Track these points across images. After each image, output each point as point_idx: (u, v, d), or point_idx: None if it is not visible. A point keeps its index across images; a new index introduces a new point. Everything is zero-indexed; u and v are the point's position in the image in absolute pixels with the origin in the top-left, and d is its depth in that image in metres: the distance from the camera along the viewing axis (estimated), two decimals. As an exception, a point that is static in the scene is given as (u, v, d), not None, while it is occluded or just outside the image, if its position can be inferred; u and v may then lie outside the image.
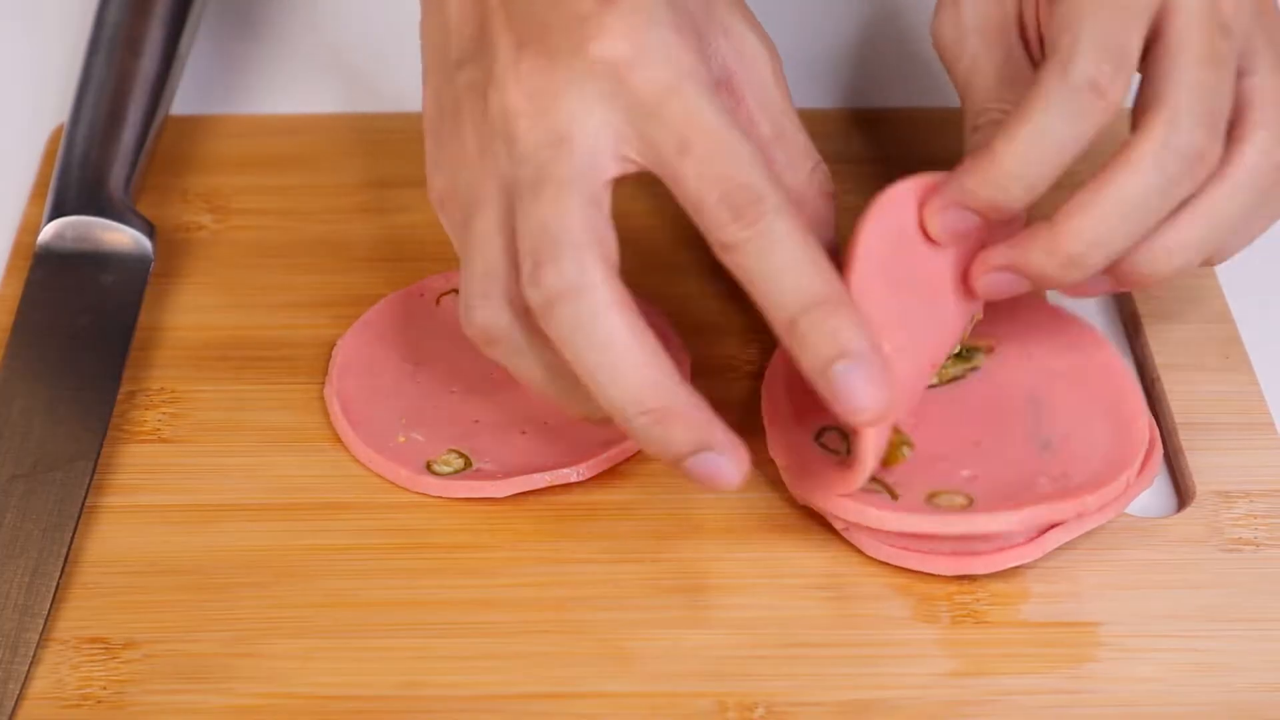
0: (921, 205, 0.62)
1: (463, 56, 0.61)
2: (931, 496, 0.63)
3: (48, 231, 0.72)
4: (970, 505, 0.62)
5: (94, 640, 0.61)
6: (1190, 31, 0.61)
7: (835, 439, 0.65)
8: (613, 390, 0.58)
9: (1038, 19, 0.65)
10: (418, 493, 0.65)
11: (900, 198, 0.62)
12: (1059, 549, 0.63)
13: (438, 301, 0.71)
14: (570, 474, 0.65)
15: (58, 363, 0.68)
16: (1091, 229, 0.60)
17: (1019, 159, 0.60)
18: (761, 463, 0.67)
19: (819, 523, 0.65)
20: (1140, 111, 0.61)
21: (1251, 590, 0.63)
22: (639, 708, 0.60)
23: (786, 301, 0.58)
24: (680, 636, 0.61)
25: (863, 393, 0.57)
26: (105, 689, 0.60)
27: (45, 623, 0.61)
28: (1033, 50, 0.66)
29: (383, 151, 0.78)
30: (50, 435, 0.66)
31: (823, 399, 0.58)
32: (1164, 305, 0.72)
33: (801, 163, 0.66)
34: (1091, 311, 0.73)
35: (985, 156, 0.60)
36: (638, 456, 0.66)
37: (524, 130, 0.59)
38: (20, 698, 0.59)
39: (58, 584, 0.62)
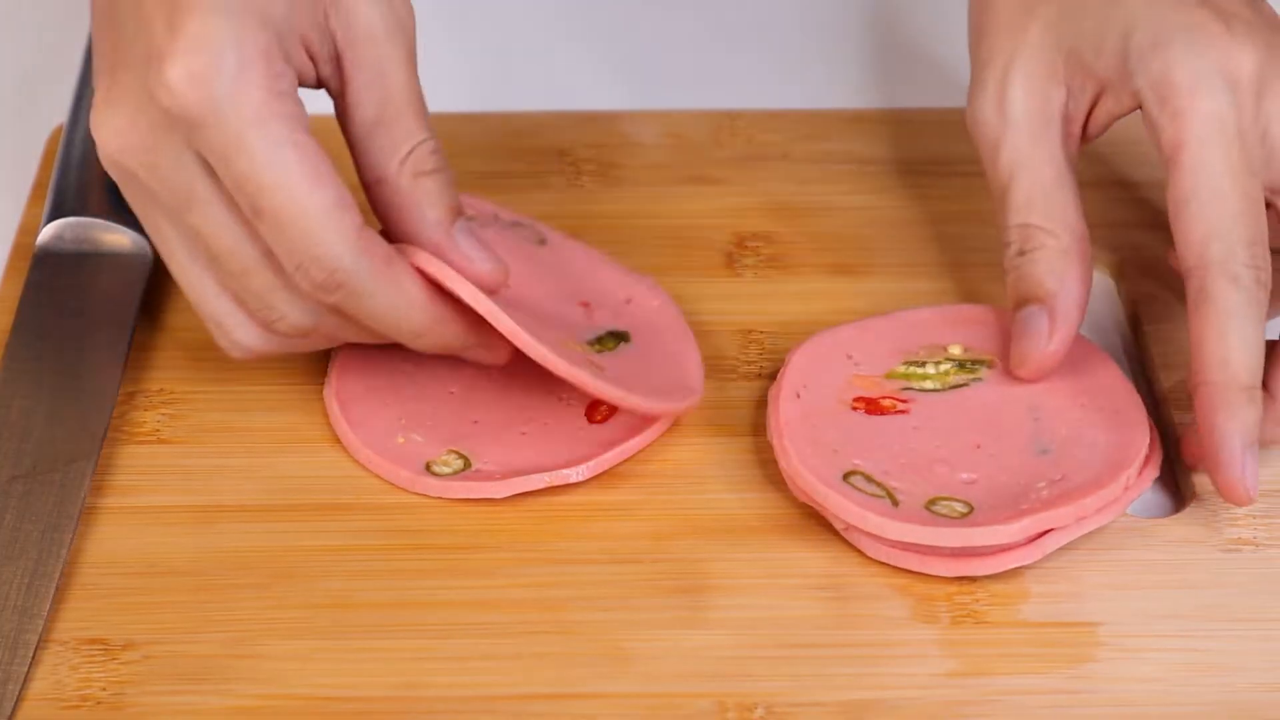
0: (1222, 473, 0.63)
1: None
2: (931, 503, 0.63)
3: (47, 232, 0.72)
4: (970, 512, 0.62)
5: (93, 641, 0.61)
6: None
7: (862, 481, 0.65)
8: (397, 332, 0.63)
9: (1085, 121, 0.66)
10: (417, 493, 0.65)
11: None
12: (1059, 549, 0.63)
13: None
14: (570, 474, 0.65)
15: (57, 363, 0.68)
16: None
17: (1247, 371, 0.62)
18: (762, 462, 0.67)
19: (818, 523, 0.65)
20: None
21: (1251, 590, 0.63)
22: (638, 708, 0.59)
23: (397, 337, 0.63)
24: (680, 637, 0.61)
25: (482, 359, 0.65)
26: (104, 690, 0.60)
27: (44, 624, 0.61)
28: (1071, 151, 0.67)
29: (382, 152, 0.78)
30: (49, 436, 0.66)
31: None
32: (1164, 305, 0.72)
33: (398, 148, 0.64)
34: (1091, 311, 0.73)
35: (1219, 392, 0.62)
36: (638, 457, 0.66)
37: (152, 186, 0.61)
38: (20, 699, 0.59)
39: (57, 585, 0.62)
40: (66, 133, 0.75)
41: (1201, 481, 0.66)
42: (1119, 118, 0.67)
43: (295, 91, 0.61)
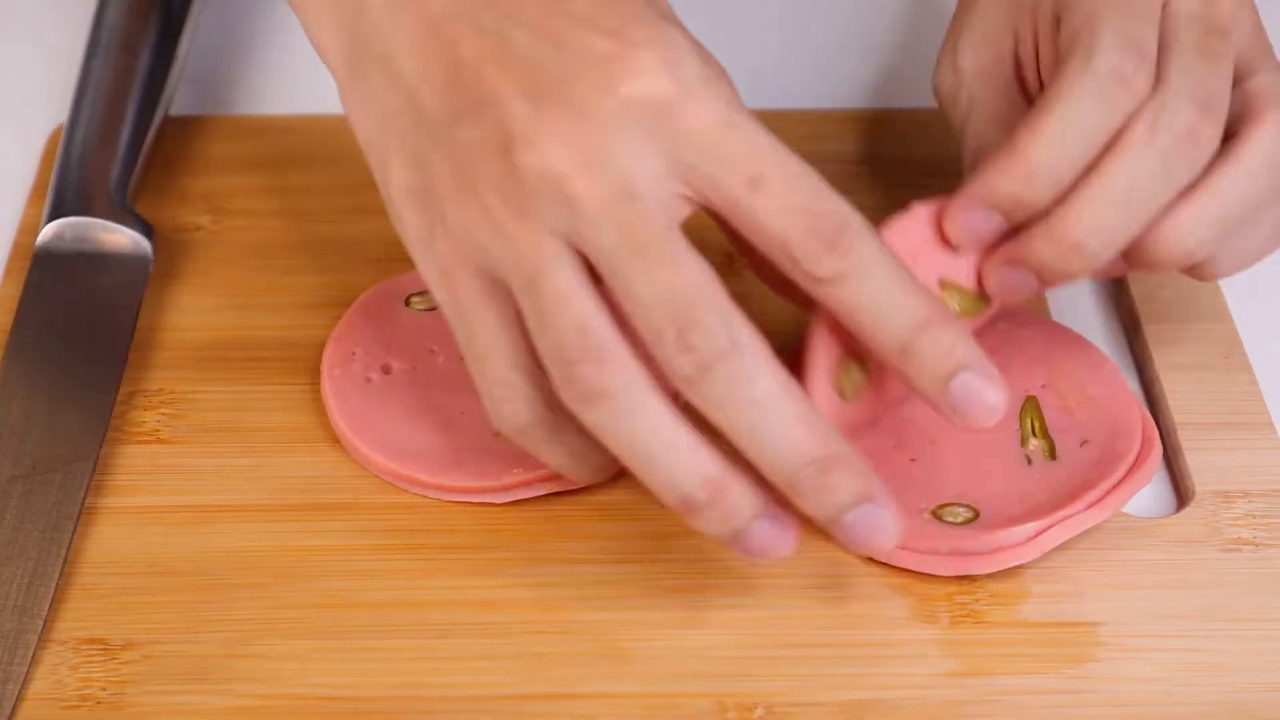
0: (940, 215, 0.61)
1: (449, 115, 0.57)
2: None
3: (47, 232, 0.72)
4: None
5: (93, 641, 0.61)
6: (1182, 29, 0.61)
7: None
8: (777, 444, 0.56)
9: (1036, 60, 0.65)
10: (416, 494, 0.65)
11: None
12: (1058, 549, 0.63)
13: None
14: (571, 481, 0.65)
15: (57, 364, 0.68)
16: (1091, 215, 0.59)
17: (1045, 151, 0.59)
18: (761, 463, 0.67)
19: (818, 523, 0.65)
20: None
21: (1250, 590, 0.63)
22: (638, 708, 0.59)
23: (896, 327, 0.57)
24: (679, 637, 0.61)
25: (988, 397, 0.57)
26: (104, 690, 0.60)
27: (44, 624, 0.61)
28: (1030, 91, 0.66)
29: (382, 152, 0.78)
30: (49, 436, 0.66)
31: (941, 413, 0.57)
32: (1164, 305, 0.72)
33: None
34: (1091, 311, 0.73)
35: (1008, 152, 0.60)
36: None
37: (583, 190, 0.55)
38: (19, 699, 0.59)
39: (57, 585, 0.62)
40: (66, 133, 0.75)
41: (1201, 481, 0.66)
42: (1054, 39, 0.64)
43: None
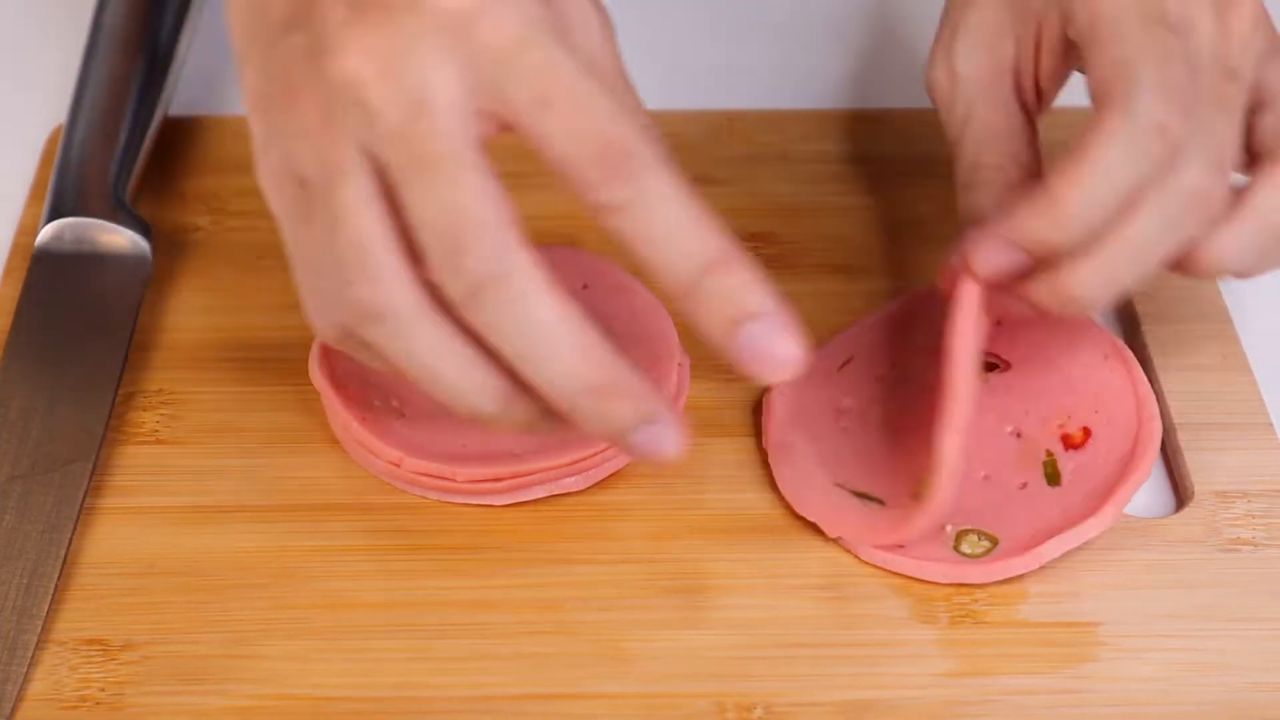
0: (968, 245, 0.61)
1: (287, 22, 0.57)
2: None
3: (46, 233, 0.72)
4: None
5: (92, 642, 0.61)
6: (1201, 71, 0.61)
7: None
8: (553, 370, 0.54)
9: (1035, 70, 0.65)
10: (416, 494, 0.65)
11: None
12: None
13: None
14: (571, 483, 0.65)
15: (56, 364, 0.68)
16: (1095, 271, 0.59)
17: (1081, 199, 0.59)
18: (761, 463, 0.67)
19: (817, 524, 0.65)
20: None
21: (1250, 590, 0.63)
22: (637, 708, 0.59)
23: (681, 265, 0.54)
24: (678, 637, 0.61)
25: (780, 348, 0.54)
26: (103, 690, 0.60)
27: (43, 624, 0.61)
28: (1027, 101, 0.66)
29: (382, 152, 0.78)
30: (48, 437, 0.66)
31: (733, 362, 0.55)
32: (1163, 305, 0.72)
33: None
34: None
35: (1044, 196, 0.59)
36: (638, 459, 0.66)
37: (376, 98, 0.54)
38: (19, 699, 0.59)
39: (56, 585, 0.62)
40: (66, 133, 0.75)
41: (1201, 482, 0.66)
42: (1061, 51, 0.65)
43: None
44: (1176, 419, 0.68)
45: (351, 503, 0.65)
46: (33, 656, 0.60)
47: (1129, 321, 0.72)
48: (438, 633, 0.61)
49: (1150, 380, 0.70)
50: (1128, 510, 0.65)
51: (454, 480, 0.64)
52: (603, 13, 0.59)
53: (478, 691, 0.60)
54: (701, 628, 0.62)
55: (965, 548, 0.63)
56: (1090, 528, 0.62)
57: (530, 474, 0.64)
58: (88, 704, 0.60)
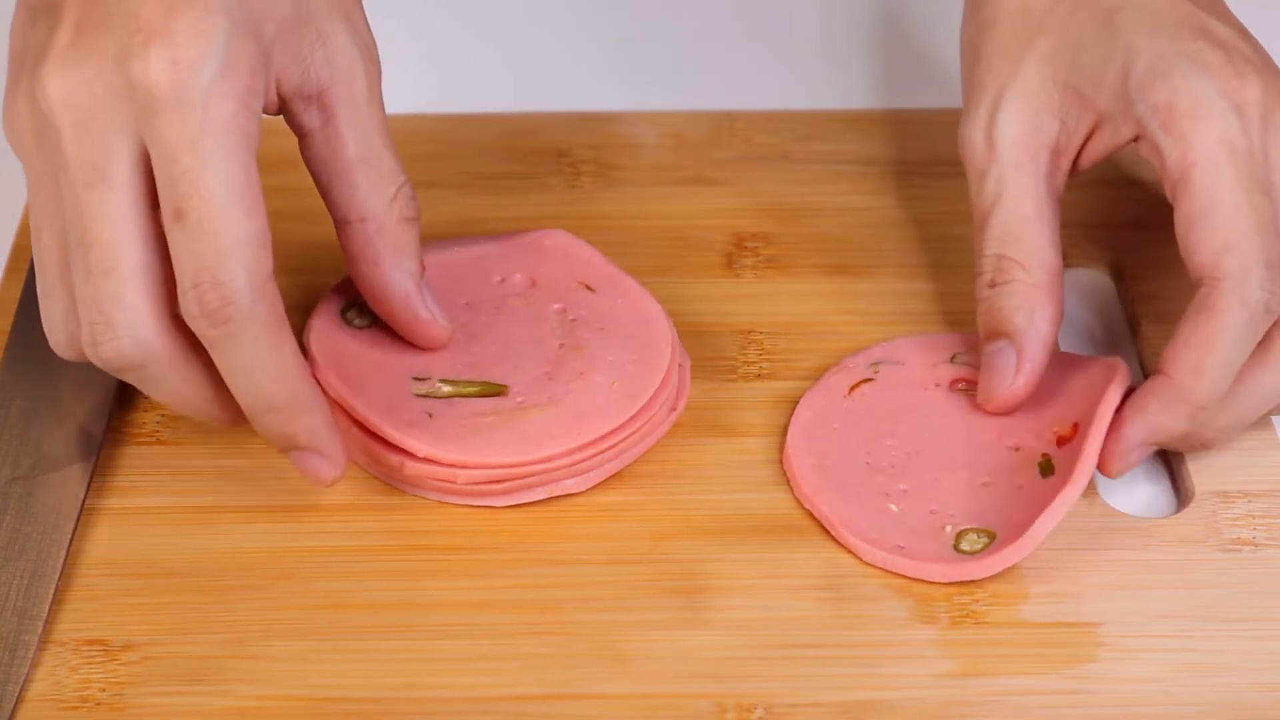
0: (1108, 440, 0.64)
1: (39, 5, 0.60)
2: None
3: (47, 233, 0.72)
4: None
5: (92, 642, 0.61)
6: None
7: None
8: (248, 388, 0.60)
9: (1076, 155, 0.67)
10: (416, 495, 0.65)
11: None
12: (1057, 549, 0.63)
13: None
14: (572, 485, 0.65)
15: (56, 364, 0.68)
16: (1228, 428, 0.65)
17: (1209, 389, 0.63)
18: (761, 462, 0.67)
19: (817, 524, 0.65)
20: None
21: (1250, 590, 0.63)
22: (637, 709, 0.59)
23: (247, 401, 0.60)
24: (679, 638, 0.61)
25: (317, 470, 0.62)
26: (104, 691, 0.60)
27: (44, 625, 0.61)
28: (1058, 180, 0.67)
29: (382, 152, 0.78)
30: (49, 437, 0.66)
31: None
32: (1164, 305, 0.72)
33: (385, 187, 0.64)
34: (1091, 310, 0.73)
35: (1173, 393, 0.63)
36: (637, 460, 0.66)
37: (68, 149, 0.58)
38: (19, 700, 0.59)
39: (56, 586, 0.62)
40: (66, 133, 0.75)
41: (1201, 482, 0.66)
42: (1115, 149, 0.67)
43: (259, 114, 0.59)
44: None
45: (352, 504, 0.65)
46: (33, 657, 0.60)
47: (1130, 321, 0.72)
48: (438, 633, 0.61)
49: (1150, 380, 0.70)
50: (1128, 510, 0.65)
51: (454, 482, 0.64)
52: (369, 56, 0.63)
53: (478, 692, 0.60)
54: (701, 628, 0.62)
55: (965, 546, 0.63)
56: (1070, 492, 0.62)
57: (530, 475, 0.64)
58: (88, 704, 0.60)
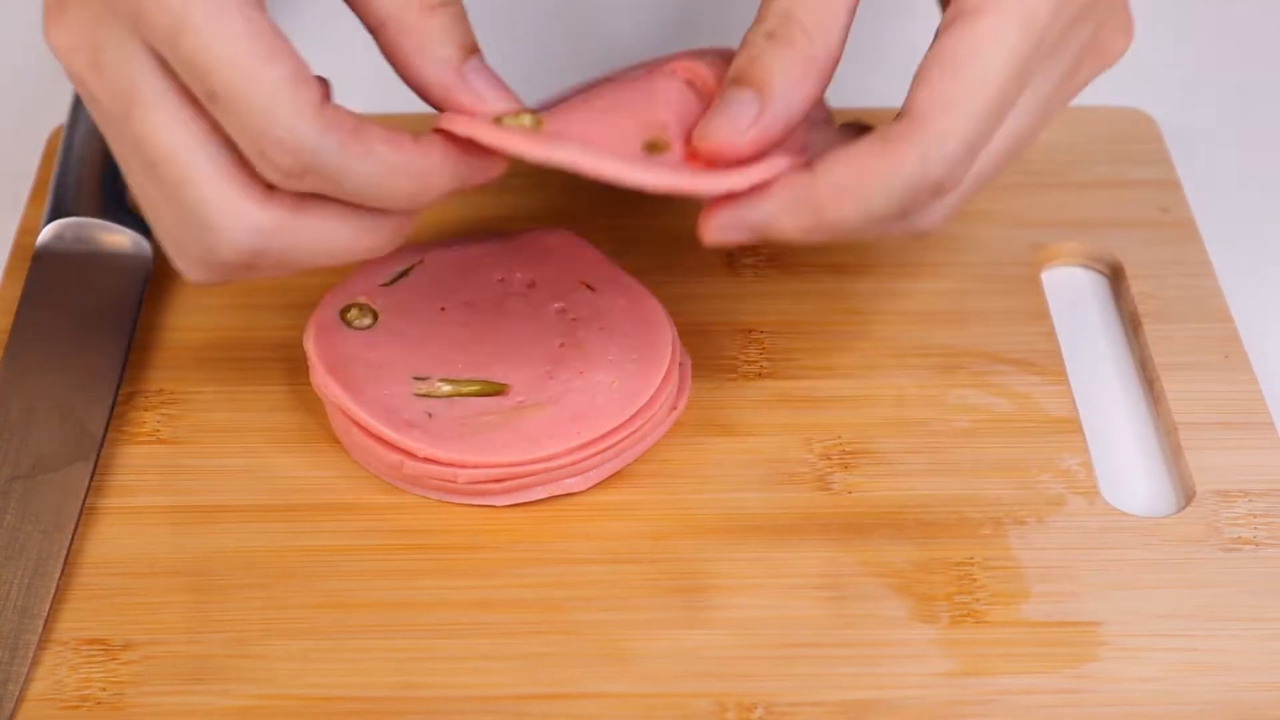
0: (708, 209, 0.60)
1: None
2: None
3: (47, 232, 0.72)
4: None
5: (93, 641, 0.61)
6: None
7: None
8: (388, 199, 0.58)
9: None
10: (417, 494, 0.65)
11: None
12: (1058, 548, 0.63)
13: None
14: (573, 484, 0.65)
15: (57, 363, 0.68)
16: (855, 208, 0.59)
17: (837, 220, 0.58)
18: (762, 462, 0.67)
19: (818, 523, 0.65)
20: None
21: (1251, 589, 0.63)
22: (638, 708, 0.59)
23: (388, 205, 0.58)
24: (679, 637, 0.61)
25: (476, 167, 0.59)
26: (104, 690, 0.60)
27: (44, 624, 0.61)
28: None
29: (382, 152, 0.78)
30: (49, 436, 0.66)
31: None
32: (1164, 305, 0.72)
33: None
34: (1091, 310, 0.73)
35: (804, 197, 0.58)
36: (638, 459, 0.66)
37: (94, 89, 0.58)
38: (20, 699, 0.59)
39: (57, 585, 0.62)
40: (66, 133, 0.75)
41: (1202, 481, 0.66)
42: None
43: None
44: (1178, 418, 0.68)
45: (352, 503, 0.65)
46: (34, 656, 0.60)
47: (1130, 321, 0.72)
48: (438, 632, 0.61)
49: (1151, 380, 0.70)
50: (1128, 509, 0.65)
51: (455, 481, 0.64)
52: None
53: (478, 691, 0.60)
54: (702, 627, 0.62)
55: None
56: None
57: (531, 475, 0.64)
58: (89, 704, 0.60)
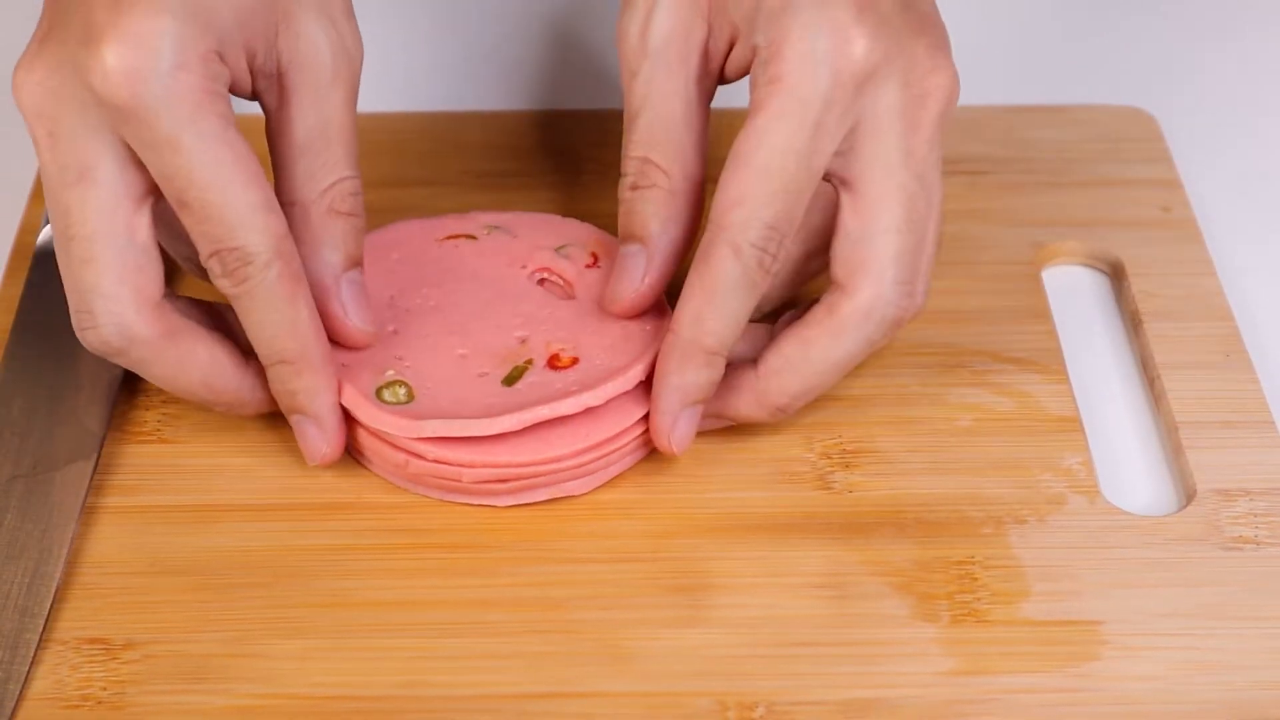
0: (651, 413, 0.65)
1: None
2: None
3: (47, 232, 0.72)
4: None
5: (94, 641, 0.61)
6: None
7: None
8: (266, 336, 0.63)
9: (723, 62, 0.66)
10: (417, 494, 0.65)
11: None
12: (1059, 547, 0.63)
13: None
14: (574, 487, 0.65)
15: (58, 363, 0.68)
16: (800, 385, 0.65)
17: (719, 340, 0.64)
18: (762, 462, 0.67)
19: (818, 522, 0.65)
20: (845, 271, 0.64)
21: (1252, 588, 0.63)
22: (638, 707, 0.59)
23: (264, 352, 0.63)
24: (680, 636, 0.61)
25: (313, 446, 0.65)
26: (105, 689, 0.60)
27: (45, 623, 0.61)
28: (708, 83, 0.66)
29: (383, 152, 0.78)
30: (50, 435, 0.66)
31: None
32: (1164, 304, 0.72)
33: (321, 176, 0.64)
34: (1092, 309, 0.73)
35: (682, 346, 0.64)
36: (639, 459, 0.67)
37: (44, 155, 0.61)
38: (20, 698, 0.59)
39: (58, 584, 0.62)
40: (67, 133, 0.75)
41: (1203, 480, 0.66)
42: (748, 69, 0.65)
43: (228, 94, 0.61)
44: (1178, 417, 0.68)
45: (354, 502, 0.65)
46: (35, 655, 0.60)
47: (1130, 320, 0.72)
48: (439, 631, 0.61)
49: (1151, 379, 0.70)
50: (1129, 509, 0.65)
51: (458, 481, 0.64)
52: (340, 47, 0.64)
53: (480, 690, 0.60)
54: (703, 627, 0.62)
55: (387, 395, 0.65)
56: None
57: (534, 476, 0.64)
58: (90, 703, 0.60)
